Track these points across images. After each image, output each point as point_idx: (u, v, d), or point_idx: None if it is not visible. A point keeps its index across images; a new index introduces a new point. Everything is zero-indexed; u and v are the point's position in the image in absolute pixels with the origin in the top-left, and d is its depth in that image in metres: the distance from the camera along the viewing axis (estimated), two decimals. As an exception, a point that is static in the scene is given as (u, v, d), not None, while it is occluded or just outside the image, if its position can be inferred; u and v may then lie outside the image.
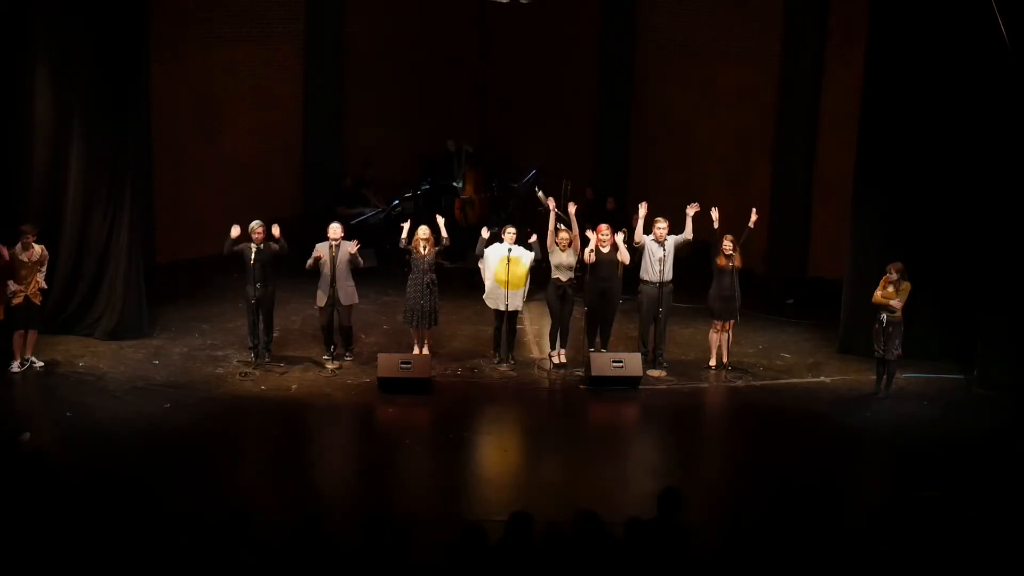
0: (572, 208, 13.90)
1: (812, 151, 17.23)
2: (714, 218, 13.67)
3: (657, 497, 7.66)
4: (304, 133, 19.06)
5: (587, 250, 13.61)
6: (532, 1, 16.18)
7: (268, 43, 18.41)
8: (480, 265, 13.95)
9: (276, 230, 13.44)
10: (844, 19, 16.56)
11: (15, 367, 13.18)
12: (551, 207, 14.37)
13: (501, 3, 16.18)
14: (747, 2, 17.67)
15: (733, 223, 14.17)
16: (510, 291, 13.65)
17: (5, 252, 12.97)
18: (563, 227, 14.18)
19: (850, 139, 14.81)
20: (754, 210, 13.95)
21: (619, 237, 13.75)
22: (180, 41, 17.11)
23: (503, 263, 13.61)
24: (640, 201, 14.23)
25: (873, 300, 13.13)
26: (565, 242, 13.69)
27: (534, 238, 13.80)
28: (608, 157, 19.41)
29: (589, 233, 13.78)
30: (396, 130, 19.57)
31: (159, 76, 16.48)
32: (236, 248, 13.36)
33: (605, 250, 13.71)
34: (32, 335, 13.32)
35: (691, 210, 13.69)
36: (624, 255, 13.78)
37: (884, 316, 13.03)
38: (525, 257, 13.73)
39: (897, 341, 13.04)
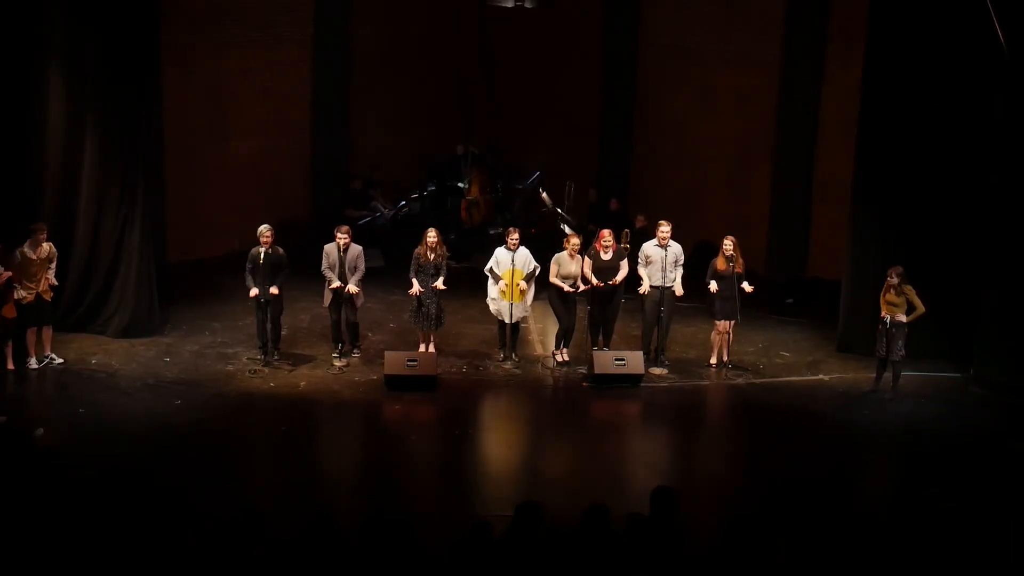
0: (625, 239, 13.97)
1: (812, 153, 17.41)
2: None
3: (650, 495, 7.78)
4: (312, 135, 19.21)
5: (588, 272, 13.76)
6: (536, 6, 16.39)
7: (277, 47, 18.57)
8: (487, 272, 14.09)
9: (274, 290, 13.54)
10: (843, 24, 16.73)
11: (32, 364, 13.32)
12: (552, 207, 14.47)
13: (506, 8, 16.37)
14: (748, 7, 17.83)
15: (733, 225, 14.37)
16: (513, 304, 13.81)
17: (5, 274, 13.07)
18: (570, 231, 14.29)
19: (849, 142, 14.93)
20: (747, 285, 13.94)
21: (622, 273, 13.88)
22: (191, 45, 17.27)
23: (507, 275, 13.75)
24: (641, 204, 14.39)
25: (882, 305, 13.25)
26: (575, 248, 13.87)
27: (536, 269, 13.92)
28: (611, 159, 19.55)
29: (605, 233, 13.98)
30: (403, 132, 19.74)
31: (171, 79, 16.63)
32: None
33: (607, 257, 13.91)
34: (47, 331, 13.46)
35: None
36: (623, 273, 13.92)
37: (887, 318, 13.20)
38: (527, 267, 13.84)
39: (900, 343, 13.15)
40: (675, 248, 13.92)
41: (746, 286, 13.79)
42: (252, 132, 18.38)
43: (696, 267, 14.56)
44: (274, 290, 13.52)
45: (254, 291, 13.51)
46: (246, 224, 14.77)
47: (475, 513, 9.91)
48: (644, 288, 13.91)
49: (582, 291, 13.82)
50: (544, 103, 19.82)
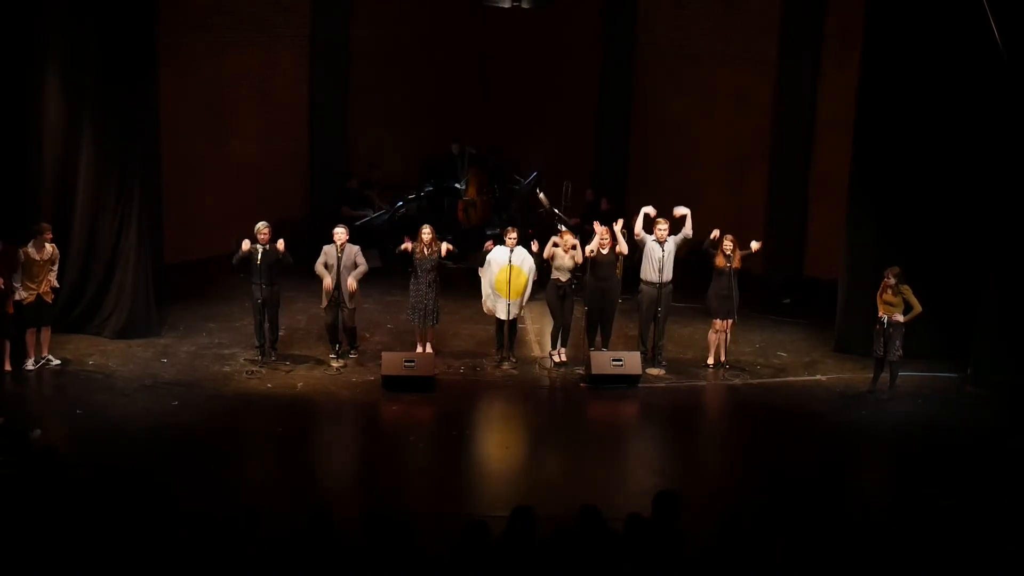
0: (618, 226, 14.05)
1: (808, 153, 17.41)
2: (753, 249, 13.96)
3: (653, 498, 7.80)
4: (310, 135, 19.20)
5: (588, 248, 13.81)
6: (533, 6, 16.39)
7: (274, 48, 18.56)
8: (480, 272, 14.12)
9: (281, 245, 13.58)
10: (840, 23, 16.74)
11: (29, 365, 13.35)
12: (550, 207, 14.49)
13: (503, 8, 16.38)
14: (745, 7, 17.84)
15: (731, 224, 14.38)
16: (511, 300, 13.84)
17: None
18: (565, 228, 14.26)
19: (846, 141, 14.98)
20: (756, 243, 14.03)
21: (617, 227, 13.89)
22: (188, 45, 17.26)
23: (504, 272, 13.80)
24: (640, 204, 14.40)
25: (879, 305, 13.30)
26: (569, 244, 13.90)
27: (536, 246, 13.98)
28: (608, 159, 19.56)
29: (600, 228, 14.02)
30: (400, 132, 19.74)
31: (167, 80, 16.57)
32: (243, 256, 13.62)
33: (604, 251, 13.93)
34: (45, 332, 13.49)
35: (678, 212, 13.97)
36: (622, 246, 13.94)
37: (885, 317, 13.24)
38: (526, 266, 13.88)
39: (898, 342, 13.21)
40: (672, 246, 13.94)
41: (754, 244, 13.86)
42: (249, 133, 18.37)
43: (693, 267, 14.58)
44: (280, 244, 13.52)
45: (246, 243, 13.51)
46: (244, 225, 14.73)
47: (472, 513, 9.92)
48: (618, 226, 13.97)
49: (580, 265, 13.84)
50: (541, 103, 19.82)
